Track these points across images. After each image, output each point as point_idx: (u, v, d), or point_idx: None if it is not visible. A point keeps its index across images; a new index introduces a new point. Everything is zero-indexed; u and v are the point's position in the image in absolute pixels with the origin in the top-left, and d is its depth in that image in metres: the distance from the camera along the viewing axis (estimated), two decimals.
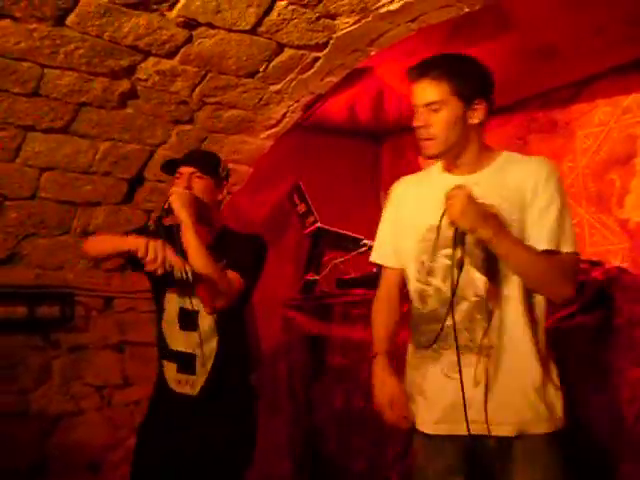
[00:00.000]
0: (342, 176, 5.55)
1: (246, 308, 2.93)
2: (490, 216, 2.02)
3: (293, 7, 2.89)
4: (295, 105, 3.66)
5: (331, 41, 3.15)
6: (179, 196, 2.67)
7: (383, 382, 2.25)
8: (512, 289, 2.12)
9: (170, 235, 2.66)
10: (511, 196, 2.10)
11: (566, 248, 2.07)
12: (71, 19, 2.77)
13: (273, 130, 3.84)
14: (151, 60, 3.11)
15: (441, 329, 2.13)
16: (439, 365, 2.17)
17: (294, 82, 3.44)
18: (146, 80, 3.23)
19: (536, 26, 3.80)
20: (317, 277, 4.48)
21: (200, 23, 2.92)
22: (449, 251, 2.12)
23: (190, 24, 2.92)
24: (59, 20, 2.77)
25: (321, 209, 4.75)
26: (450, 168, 2.25)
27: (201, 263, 2.60)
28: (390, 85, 4.84)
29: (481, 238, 2.03)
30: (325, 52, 3.23)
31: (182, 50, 3.08)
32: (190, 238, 2.62)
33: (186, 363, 2.78)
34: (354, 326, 3.85)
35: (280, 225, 5.20)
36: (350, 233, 4.66)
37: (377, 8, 2.92)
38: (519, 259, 2.04)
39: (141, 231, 2.78)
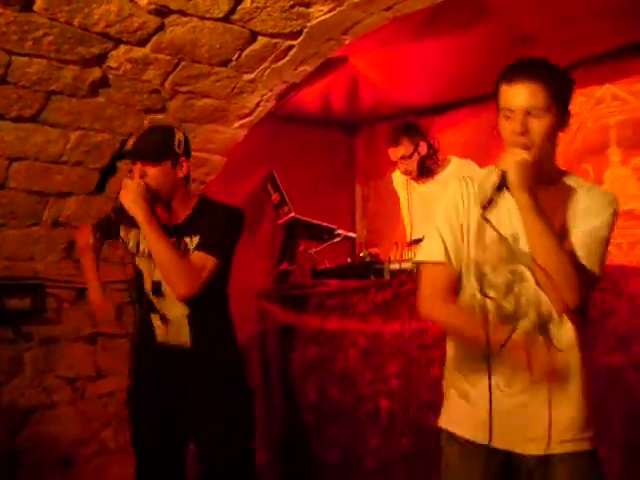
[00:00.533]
0: (316, 166, 5.54)
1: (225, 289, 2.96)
2: (534, 191, 1.95)
3: None
4: (269, 94, 3.63)
5: (305, 29, 3.12)
6: (128, 192, 2.65)
7: None
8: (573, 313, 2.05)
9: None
10: (569, 217, 2.05)
11: (592, 268, 2.00)
12: (38, 5, 2.71)
13: (246, 119, 3.80)
14: (122, 48, 3.06)
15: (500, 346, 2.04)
16: (493, 379, 2.04)
17: (268, 71, 3.41)
18: (117, 68, 3.18)
19: (511, 16, 3.81)
20: (291, 267, 4.47)
21: (172, 10, 2.87)
22: (514, 267, 2.05)
23: (162, 11, 2.87)
24: (26, 5, 2.71)
25: (295, 199, 4.74)
26: None
27: (162, 257, 2.61)
28: (364, 74, 4.82)
29: (519, 200, 1.95)
30: (299, 40, 3.20)
31: (154, 38, 3.03)
32: (147, 233, 2.62)
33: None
34: (328, 316, 3.84)
35: (254, 215, 5.18)
36: (324, 223, 4.66)
37: None
38: (545, 243, 1.95)
39: (104, 222, 2.84)
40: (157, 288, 2.85)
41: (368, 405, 3.59)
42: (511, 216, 2.03)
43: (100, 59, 3.10)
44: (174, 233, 2.78)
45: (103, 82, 3.25)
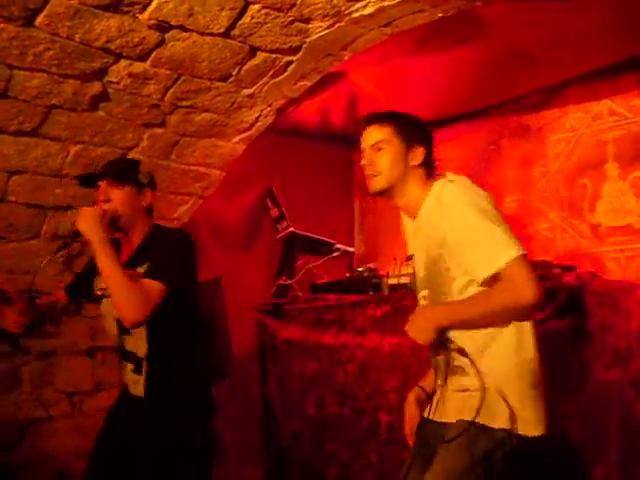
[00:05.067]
0: (315, 180, 5.53)
1: (193, 310, 2.91)
2: (436, 314, 2.25)
3: (266, 11, 2.87)
4: (268, 109, 3.65)
5: (304, 45, 3.14)
6: (84, 216, 2.65)
7: (407, 413, 2.57)
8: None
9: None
10: (432, 233, 2.31)
11: (502, 261, 2.14)
12: (40, 20, 2.73)
13: (246, 134, 3.81)
14: (123, 62, 3.08)
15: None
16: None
17: (267, 86, 3.42)
18: (118, 83, 3.19)
19: (509, 32, 3.82)
20: (290, 282, 4.47)
21: (172, 26, 2.89)
22: (425, 292, 2.42)
23: (162, 27, 2.89)
24: (28, 20, 2.73)
25: (294, 213, 4.74)
26: (405, 212, 2.51)
27: (112, 282, 2.59)
28: (363, 90, 4.83)
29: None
30: (298, 56, 3.22)
31: (154, 53, 3.05)
32: (100, 256, 2.60)
33: (136, 364, 2.82)
34: (327, 331, 3.84)
35: (253, 229, 5.16)
36: (323, 238, 4.66)
37: (351, 12, 2.92)
38: (480, 319, 2.22)
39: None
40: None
41: (367, 420, 3.58)
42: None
43: (100, 74, 3.12)
44: (127, 266, 2.74)
45: (103, 96, 3.26)
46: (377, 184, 2.41)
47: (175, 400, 2.77)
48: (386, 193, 2.42)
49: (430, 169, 2.43)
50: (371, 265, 4.20)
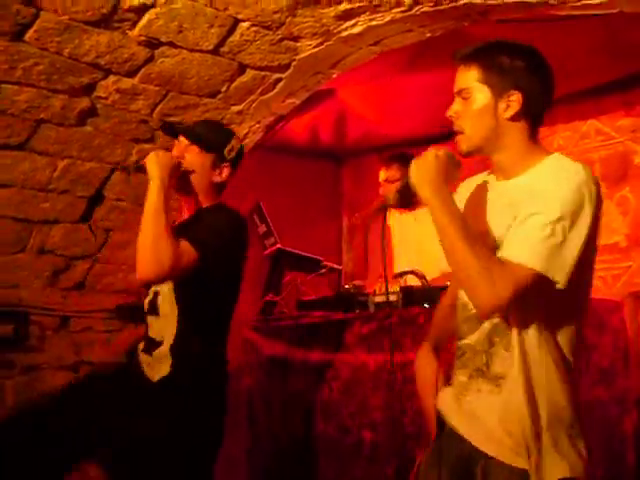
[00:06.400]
0: (303, 197, 5.56)
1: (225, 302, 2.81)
2: (440, 182, 1.79)
3: (255, 28, 2.89)
4: (257, 126, 3.66)
5: (293, 63, 3.16)
6: (157, 156, 2.47)
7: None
8: (533, 314, 1.77)
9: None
10: (526, 207, 1.76)
11: (522, 259, 1.68)
12: (30, 34, 2.74)
13: None
14: (112, 78, 3.09)
15: (460, 347, 1.90)
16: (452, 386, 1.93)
17: (256, 103, 3.44)
18: (106, 98, 3.20)
19: None
20: (277, 298, 4.46)
21: (162, 42, 2.91)
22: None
23: (152, 43, 2.90)
24: (17, 35, 2.73)
25: (282, 230, 4.74)
26: (495, 170, 1.97)
27: (150, 223, 2.37)
28: (352, 107, 4.86)
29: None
30: (287, 74, 3.24)
31: (143, 69, 3.06)
32: (151, 196, 2.40)
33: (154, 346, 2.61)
34: (313, 348, 3.83)
35: None
36: (310, 255, 4.66)
37: (340, 31, 2.94)
38: (448, 236, 1.73)
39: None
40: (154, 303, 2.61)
41: (352, 438, 3.57)
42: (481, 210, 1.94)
43: (89, 89, 3.12)
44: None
45: (91, 112, 3.26)
46: (461, 145, 1.89)
47: (202, 381, 2.67)
48: (477, 154, 1.91)
49: (536, 119, 1.91)
50: (358, 282, 4.19)
